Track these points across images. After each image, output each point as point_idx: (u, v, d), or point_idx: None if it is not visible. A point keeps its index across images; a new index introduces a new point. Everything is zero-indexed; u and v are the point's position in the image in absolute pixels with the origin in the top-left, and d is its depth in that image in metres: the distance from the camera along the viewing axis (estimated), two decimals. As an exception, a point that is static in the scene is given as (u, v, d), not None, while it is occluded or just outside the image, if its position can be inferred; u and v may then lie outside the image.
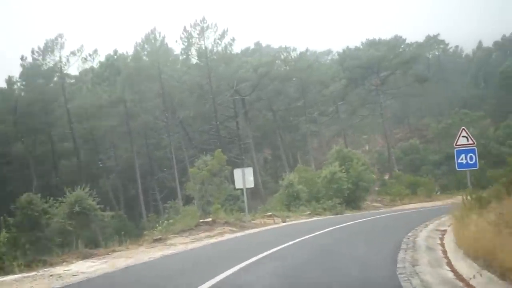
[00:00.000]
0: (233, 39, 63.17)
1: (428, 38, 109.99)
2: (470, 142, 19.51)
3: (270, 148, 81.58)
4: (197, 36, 61.78)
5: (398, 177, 51.50)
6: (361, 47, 77.92)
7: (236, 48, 69.06)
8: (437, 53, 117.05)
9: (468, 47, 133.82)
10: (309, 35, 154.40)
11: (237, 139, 65.59)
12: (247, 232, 19.89)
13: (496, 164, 67.89)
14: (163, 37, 64.81)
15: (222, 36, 61.99)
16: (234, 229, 20.59)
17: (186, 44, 63.16)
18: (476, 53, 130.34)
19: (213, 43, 62.07)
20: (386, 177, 61.83)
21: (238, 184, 22.44)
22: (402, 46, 78.97)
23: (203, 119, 65.69)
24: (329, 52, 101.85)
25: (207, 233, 19.36)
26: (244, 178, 21.60)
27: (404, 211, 28.88)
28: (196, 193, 38.51)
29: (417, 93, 76.37)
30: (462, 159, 19.33)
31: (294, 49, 71.16)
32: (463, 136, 19.54)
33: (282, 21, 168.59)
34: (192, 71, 65.30)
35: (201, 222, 21.33)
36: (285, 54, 71.35)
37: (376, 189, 49.90)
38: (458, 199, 45.35)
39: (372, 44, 76.55)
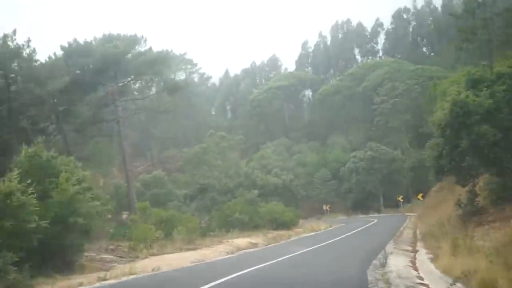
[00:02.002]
0: None
1: (175, 56, 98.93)
2: None
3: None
4: None
5: (144, 210, 34.73)
6: (93, 42, 60.28)
7: None
8: (184, 75, 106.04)
9: (215, 75, 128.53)
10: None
11: None
12: None
13: (271, 195, 58.38)
14: None
15: None
16: None
17: None
18: (223, 81, 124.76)
19: None
20: (124, 216, 45.34)
21: None
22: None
23: None
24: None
25: None
26: None
27: None
28: None
29: (166, 108, 61.68)
30: None
31: (-7, 29, 50.18)
32: None
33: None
34: None
35: None
36: (-22, 35, 49.73)
37: (111, 230, 32.67)
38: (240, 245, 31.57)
39: (110, 39, 60.05)
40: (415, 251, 15.83)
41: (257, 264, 16.84)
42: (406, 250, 16.80)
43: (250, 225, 38.29)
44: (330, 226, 41.33)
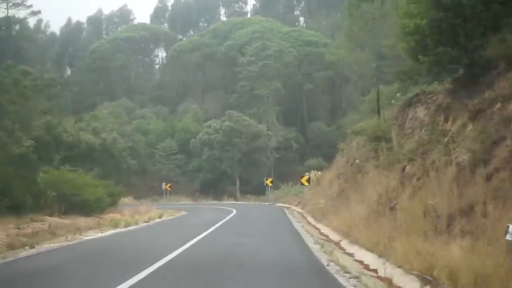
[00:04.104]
0: None
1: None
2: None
3: None
4: None
5: None
6: None
7: None
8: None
9: (56, 24, 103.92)
10: None
11: None
12: None
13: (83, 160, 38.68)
14: None
15: None
16: None
17: None
18: (64, 30, 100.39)
19: None
20: None
21: None
22: None
23: None
24: None
25: None
26: None
27: None
28: None
29: None
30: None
31: None
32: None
33: None
34: None
35: None
36: None
37: None
38: None
39: None
40: None
41: None
42: None
43: (2, 205, 19.36)
44: (160, 217, 23.59)
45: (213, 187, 54.90)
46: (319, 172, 36.51)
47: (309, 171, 39.10)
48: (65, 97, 74.60)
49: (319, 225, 17.95)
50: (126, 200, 49.17)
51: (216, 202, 47.61)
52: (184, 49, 72.29)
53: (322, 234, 15.53)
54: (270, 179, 44.61)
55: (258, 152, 55.86)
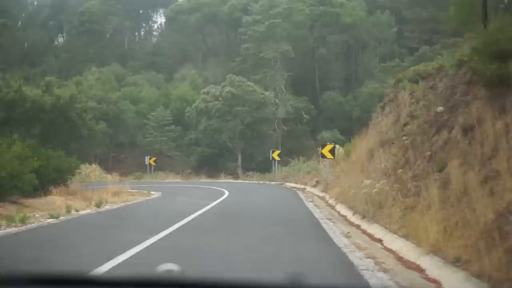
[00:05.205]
0: None
1: None
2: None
3: None
4: None
5: None
6: None
7: None
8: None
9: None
10: None
11: None
12: None
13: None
14: None
15: None
16: None
17: None
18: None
19: None
20: None
21: None
22: None
23: None
24: None
25: None
26: None
27: None
28: None
29: None
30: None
31: None
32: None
33: None
34: None
35: None
36: None
37: None
38: None
39: None
40: None
41: None
42: None
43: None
44: (98, 205, 14.17)
45: (213, 163, 46.07)
46: (337, 146, 27.29)
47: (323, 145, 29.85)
48: (50, 63, 66.19)
49: (374, 230, 8.97)
50: (109, 177, 40.72)
51: (209, 180, 38.70)
52: (182, 9, 62.84)
53: (410, 266, 6.49)
54: (277, 152, 35.36)
55: (263, 123, 46.99)
